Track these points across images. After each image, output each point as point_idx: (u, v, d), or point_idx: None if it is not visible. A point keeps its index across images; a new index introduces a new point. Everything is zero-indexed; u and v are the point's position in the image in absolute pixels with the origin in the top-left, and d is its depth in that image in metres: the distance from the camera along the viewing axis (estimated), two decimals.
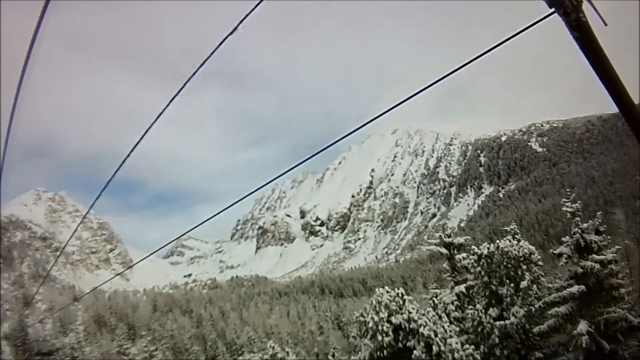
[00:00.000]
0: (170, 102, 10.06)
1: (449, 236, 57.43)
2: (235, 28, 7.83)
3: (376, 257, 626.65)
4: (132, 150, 11.31)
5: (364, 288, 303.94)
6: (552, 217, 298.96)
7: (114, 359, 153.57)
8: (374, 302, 47.13)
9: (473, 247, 54.64)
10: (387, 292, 47.53)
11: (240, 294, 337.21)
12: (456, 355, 43.41)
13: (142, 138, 10.97)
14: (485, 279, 50.80)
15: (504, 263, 50.00)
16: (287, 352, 71.62)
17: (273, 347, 68.32)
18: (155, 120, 10.39)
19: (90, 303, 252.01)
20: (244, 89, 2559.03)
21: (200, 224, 15.85)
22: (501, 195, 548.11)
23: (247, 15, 7.59)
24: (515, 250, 49.88)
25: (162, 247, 40.50)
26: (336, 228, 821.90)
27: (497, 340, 46.78)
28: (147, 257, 29.94)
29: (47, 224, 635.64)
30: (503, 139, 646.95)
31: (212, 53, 8.63)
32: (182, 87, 9.66)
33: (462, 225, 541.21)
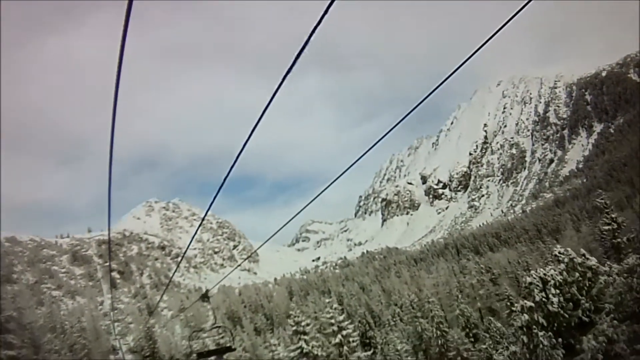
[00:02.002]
0: (275, 94, 10.01)
1: None
2: (328, 8, 8.15)
3: (502, 211, 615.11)
4: (242, 148, 11.36)
5: (499, 241, 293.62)
6: None
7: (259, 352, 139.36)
8: None
9: None
10: None
11: (375, 266, 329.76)
12: None
13: (251, 135, 10.91)
14: None
15: None
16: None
17: None
18: (262, 115, 10.39)
19: (221, 301, 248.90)
20: (347, 67, 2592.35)
21: (297, 214, 19.65)
22: (612, 130, 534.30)
23: None
24: None
25: (271, 237, 32.15)
26: (459, 188, 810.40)
27: None
28: (259, 247, 51.07)
29: (164, 232, 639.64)
30: (603, 74, 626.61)
31: (310, 36, 8.70)
32: (285, 77, 9.56)
33: (580, 166, 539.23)
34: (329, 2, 8.27)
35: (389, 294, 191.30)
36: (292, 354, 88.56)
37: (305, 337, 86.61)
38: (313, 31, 8.45)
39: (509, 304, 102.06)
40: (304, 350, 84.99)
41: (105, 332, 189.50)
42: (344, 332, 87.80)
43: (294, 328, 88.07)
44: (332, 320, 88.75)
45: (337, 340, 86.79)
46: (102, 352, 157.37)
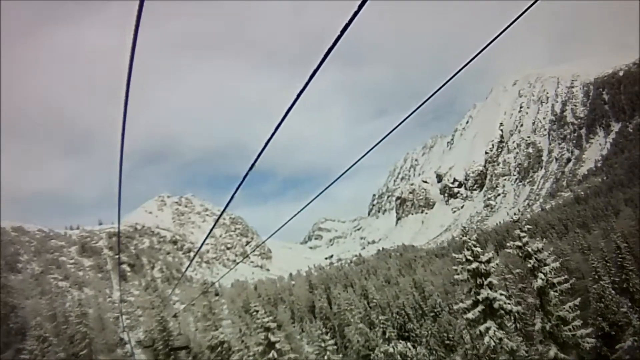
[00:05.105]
0: (301, 93, 9.72)
1: None
2: (360, 9, 7.85)
3: (518, 210, 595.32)
4: (265, 145, 11.14)
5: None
6: None
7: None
8: None
9: None
10: None
11: (396, 262, 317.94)
12: None
13: (275, 132, 10.65)
14: None
15: None
16: None
17: None
18: (287, 113, 10.15)
19: (236, 294, 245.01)
20: (361, 63, 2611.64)
21: (301, 210, 18.59)
22: (630, 129, 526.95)
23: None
24: None
25: (278, 230, 23.56)
26: (474, 187, 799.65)
27: None
28: (266, 239, 38.87)
29: (176, 227, 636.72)
30: (621, 74, 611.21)
31: (340, 36, 8.41)
32: (313, 75, 9.30)
33: (599, 165, 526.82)
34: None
35: (421, 286, 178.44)
36: (470, 315, 52.36)
37: (491, 279, 53.05)
38: (342, 32, 8.20)
39: (597, 277, 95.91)
40: (494, 305, 51.83)
41: (112, 324, 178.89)
42: (545, 269, 52.81)
43: (472, 266, 53.33)
44: (529, 249, 53.66)
45: (539, 283, 52.33)
46: (109, 344, 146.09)
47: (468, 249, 54.71)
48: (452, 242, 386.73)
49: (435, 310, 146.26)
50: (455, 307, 58.26)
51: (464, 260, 54.48)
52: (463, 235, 59.41)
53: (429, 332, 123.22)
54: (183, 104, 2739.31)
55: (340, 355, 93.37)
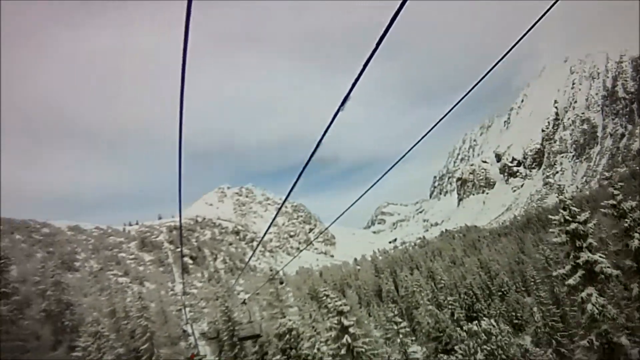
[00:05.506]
0: (354, 85, 9.40)
1: None
2: (402, 6, 7.77)
3: (577, 187, 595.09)
4: (323, 135, 10.78)
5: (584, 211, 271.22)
6: None
7: None
8: None
9: None
10: None
11: (460, 243, 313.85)
12: None
13: (332, 122, 10.39)
14: None
15: None
16: None
17: None
18: (343, 102, 9.67)
19: (301, 281, 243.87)
20: (404, 54, 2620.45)
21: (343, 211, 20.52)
22: None
23: None
24: None
25: (339, 217, 21.38)
26: (533, 165, 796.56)
27: None
28: (329, 226, 32.30)
29: (238, 217, 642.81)
30: None
31: (386, 31, 8.16)
32: (365, 67, 9.00)
33: None
34: None
35: (487, 265, 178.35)
36: (571, 281, 46.76)
37: (590, 241, 47.36)
38: (388, 28, 7.92)
39: None
40: (595, 269, 46.31)
41: (175, 317, 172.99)
42: None
43: (570, 226, 47.64)
44: (624, 207, 48.61)
45: (636, 243, 46.53)
46: (171, 337, 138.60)
47: (565, 209, 49.49)
48: (514, 221, 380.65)
49: (503, 290, 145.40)
50: (554, 273, 51.32)
51: (562, 220, 49.06)
52: (559, 194, 53.41)
53: (498, 311, 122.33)
54: (238, 99, 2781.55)
55: (413, 338, 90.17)
